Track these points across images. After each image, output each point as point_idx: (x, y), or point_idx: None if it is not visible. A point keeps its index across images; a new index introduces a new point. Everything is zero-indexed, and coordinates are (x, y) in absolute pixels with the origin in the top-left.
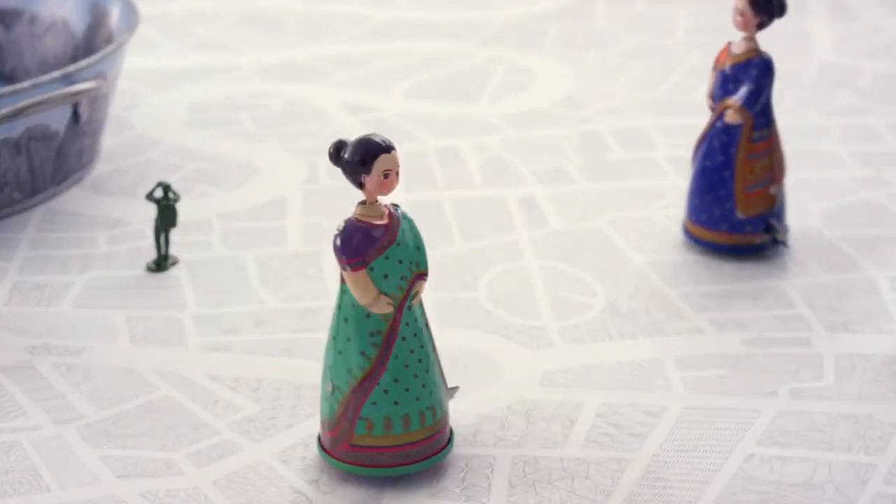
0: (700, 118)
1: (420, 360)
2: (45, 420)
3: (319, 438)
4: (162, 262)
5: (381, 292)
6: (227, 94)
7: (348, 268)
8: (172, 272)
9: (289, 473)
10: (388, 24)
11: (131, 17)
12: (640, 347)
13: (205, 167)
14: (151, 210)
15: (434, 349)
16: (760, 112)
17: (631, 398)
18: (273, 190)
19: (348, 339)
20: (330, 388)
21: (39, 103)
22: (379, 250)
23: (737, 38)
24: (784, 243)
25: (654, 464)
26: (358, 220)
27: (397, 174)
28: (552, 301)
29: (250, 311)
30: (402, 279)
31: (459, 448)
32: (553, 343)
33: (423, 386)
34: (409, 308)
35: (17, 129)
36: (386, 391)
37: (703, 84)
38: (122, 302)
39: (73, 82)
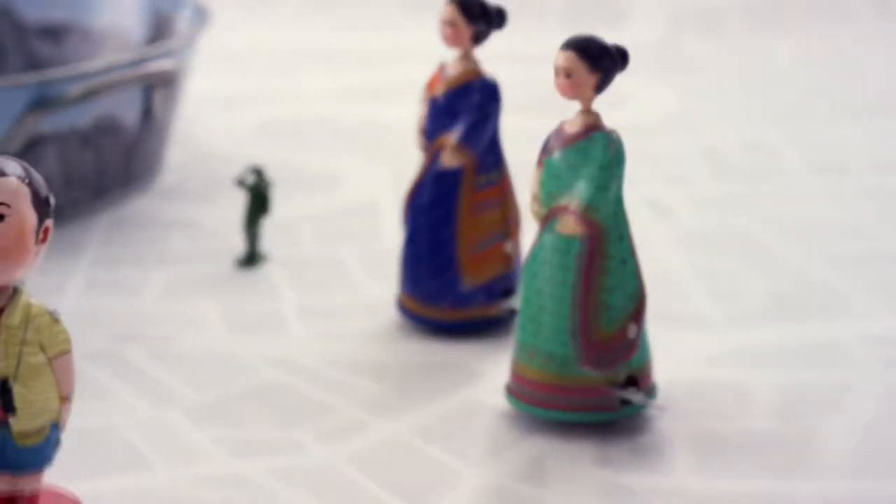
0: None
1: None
2: (140, 403)
3: (509, 387)
4: (253, 258)
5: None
6: (296, 115)
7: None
8: (263, 268)
9: (430, 448)
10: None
11: (201, 18)
12: (815, 329)
13: (283, 177)
14: (229, 210)
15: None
16: (487, 150)
17: (809, 377)
18: (360, 193)
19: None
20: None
21: (114, 83)
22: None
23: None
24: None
25: (846, 435)
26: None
27: (562, 76)
28: (706, 288)
29: (355, 301)
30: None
31: (624, 420)
32: (714, 326)
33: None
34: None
35: (86, 118)
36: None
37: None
38: (212, 295)
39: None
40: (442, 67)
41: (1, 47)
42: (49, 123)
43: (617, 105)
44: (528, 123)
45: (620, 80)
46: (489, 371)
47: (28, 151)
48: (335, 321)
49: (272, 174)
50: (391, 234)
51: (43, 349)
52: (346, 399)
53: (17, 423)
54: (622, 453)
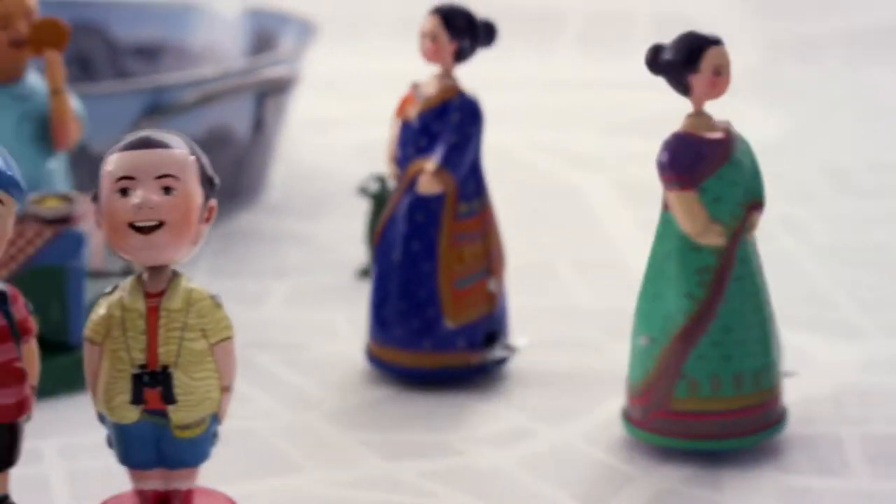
0: None
1: (756, 308)
2: (280, 408)
3: (626, 412)
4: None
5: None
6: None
7: (676, 186)
8: None
9: (598, 453)
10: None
11: (307, 33)
12: None
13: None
14: (339, 225)
15: (769, 298)
16: (468, 176)
17: None
18: None
19: (669, 279)
20: (645, 342)
21: (228, 90)
22: (711, 167)
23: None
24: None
25: None
26: (687, 133)
27: (729, 73)
28: (852, 298)
29: None
30: (737, 206)
31: (792, 426)
32: (867, 334)
33: (760, 340)
34: (745, 241)
35: (200, 126)
36: (716, 343)
37: None
38: (336, 305)
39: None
40: (414, 87)
41: (93, 67)
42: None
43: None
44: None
45: (725, 102)
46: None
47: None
48: None
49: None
50: (512, 247)
51: (205, 335)
52: (495, 402)
53: (177, 414)
54: (795, 455)
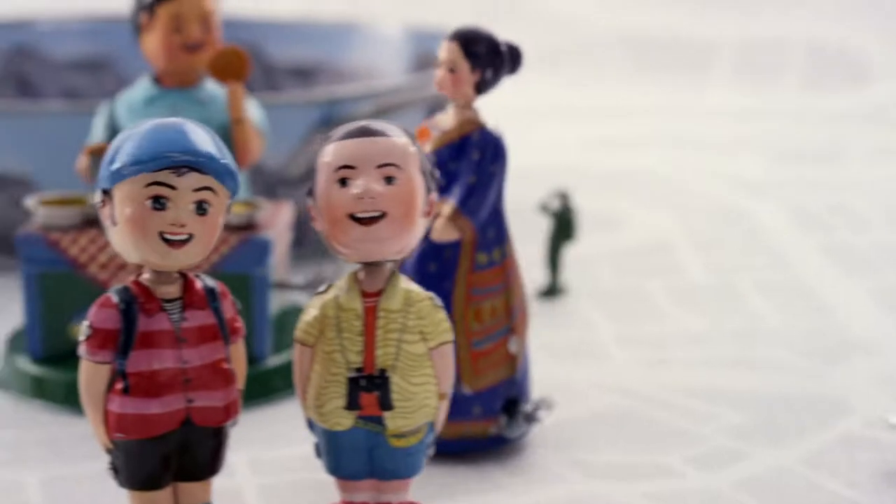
0: None
1: None
2: None
3: None
4: (554, 289)
5: None
6: (548, 162)
7: None
8: (565, 300)
9: (825, 479)
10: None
11: None
12: None
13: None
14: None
15: None
16: (489, 221)
17: None
18: (646, 233)
19: None
20: None
21: (403, 103)
22: None
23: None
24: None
25: None
26: None
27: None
28: None
29: (673, 330)
30: None
31: None
32: None
33: None
34: None
35: None
36: None
37: None
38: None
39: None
40: (428, 121)
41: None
42: None
43: None
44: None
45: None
46: (859, 405)
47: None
48: (658, 349)
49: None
50: (693, 269)
51: (424, 338)
52: (705, 428)
53: (393, 421)
54: None
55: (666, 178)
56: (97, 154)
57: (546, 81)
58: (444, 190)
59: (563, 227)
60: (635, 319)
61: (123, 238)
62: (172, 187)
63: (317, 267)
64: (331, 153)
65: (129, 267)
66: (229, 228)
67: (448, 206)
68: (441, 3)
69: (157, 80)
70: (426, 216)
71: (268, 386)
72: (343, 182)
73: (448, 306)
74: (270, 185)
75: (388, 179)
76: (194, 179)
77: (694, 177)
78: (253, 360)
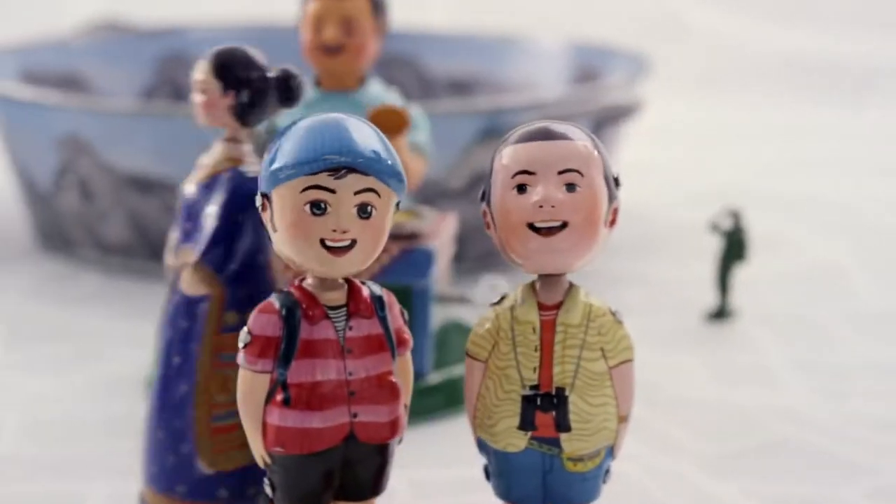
0: None
1: None
2: (644, 450)
3: None
4: (724, 311)
5: None
6: (720, 183)
7: None
8: (734, 323)
9: None
10: None
11: (639, 68)
12: None
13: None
14: (673, 266)
15: None
16: (240, 276)
17: None
18: (816, 256)
19: None
20: None
21: (570, 114)
22: None
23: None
24: None
25: None
26: None
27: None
28: None
29: (850, 359)
30: None
31: None
32: None
33: None
34: None
35: None
36: None
37: None
38: (686, 346)
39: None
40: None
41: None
42: None
43: None
44: None
45: None
46: None
47: (475, 187)
48: (833, 378)
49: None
50: (869, 296)
51: (604, 355)
52: (887, 459)
53: (570, 444)
54: None
55: (836, 202)
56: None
57: (714, 103)
58: (191, 235)
59: (734, 247)
60: (809, 346)
61: (284, 245)
62: (331, 191)
63: (490, 279)
64: (508, 156)
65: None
66: (391, 237)
67: (193, 255)
68: (607, 20)
69: (318, 82)
70: (609, 226)
71: (428, 404)
72: (521, 188)
73: (192, 370)
74: (430, 196)
75: (570, 186)
76: (355, 181)
77: (866, 201)
78: (413, 376)
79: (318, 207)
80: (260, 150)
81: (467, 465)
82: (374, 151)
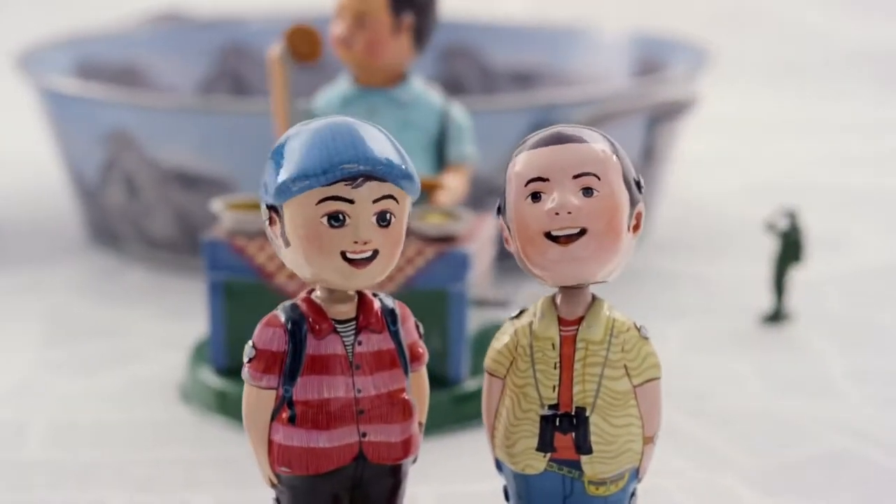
0: None
1: None
2: (686, 465)
3: None
4: (779, 314)
5: None
6: (782, 178)
7: None
8: (790, 326)
9: None
10: None
11: (700, 60)
12: None
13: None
14: (740, 266)
15: None
16: None
17: None
18: (878, 257)
19: None
20: None
21: (623, 110)
22: None
23: None
24: None
25: None
26: None
27: None
28: None
29: None
30: None
31: None
32: None
33: None
34: None
35: None
36: None
37: None
38: (739, 351)
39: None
40: None
41: (465, 90)
42: None
43: None
44: None
45: None
46: None
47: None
48: (894, 387)
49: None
50: None
51: (628, 373)
52: None
53: (592, 467)
54: None
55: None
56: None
57: (786, 94)
58: None
59: (790, 248)
60: (868, 352)
61: (298, 259)
62: (350, 201)
63: (515, 288)
64: (521, 163)
65: None
66: (426, 240)
67: None
68: (676, 9)
69: (356, 78)
70: (633, 231)
71: (463, 412)
72: (536, 196)
73: None
74: (479, 195)
75: (587, 191)
76: (373, 189)
77: None
78: (448, 382)
79: (336, 219)
80: None
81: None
82: (390, 156)
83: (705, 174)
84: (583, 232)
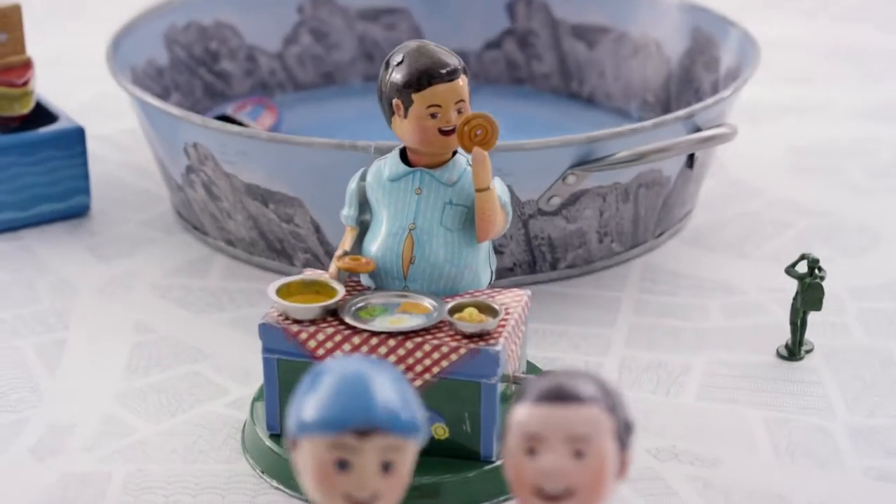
0: None
1: None
2: None
3: None
4: (796, 349)
5: None
6: (827, 138)
7: None
8: (808, 362)
9: None
10: None
11: (748, 48)
12: None
13: (818, 225)
14: (768, 277)
15: None
16: None
17: None
18: None
19: None
20: None
21: (664, 149)
22: None
23: None
24: None
25: None
26: None
27: None
28: None
29: None
30: None
31: None
32: None
33: None
34: None
35: (629, 174)
36: None
37: None
38: (754, 397)
39: (696, 124)
40: None
41: (533, 43)
42: (592, 180)
43: None
44: None
45: None
46: None
47: (566, 206)
48: (891, 456)
49: (806, 223)
50: None
51: None
52: None
53: None
54: None
55: None
56: (346, 271)
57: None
58: None
59: (809, 294)
60: (876, 400)
61: (309, 488)
62: (357, 450)
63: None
64: (522, 415)
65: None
66: (461, 335)
67: None
68: None
69: (406, 157)
70: (620, 475)
71: (494, 488)
72: (531, 451)
73: None
74: (524, 216)
75: (579, 453)
76: (378, 441)
77: None
78: (480, 460)
79: (342, 465)
80: None
81: None
82: (398, 412)
83: (745, 140)
84: (571, 492)
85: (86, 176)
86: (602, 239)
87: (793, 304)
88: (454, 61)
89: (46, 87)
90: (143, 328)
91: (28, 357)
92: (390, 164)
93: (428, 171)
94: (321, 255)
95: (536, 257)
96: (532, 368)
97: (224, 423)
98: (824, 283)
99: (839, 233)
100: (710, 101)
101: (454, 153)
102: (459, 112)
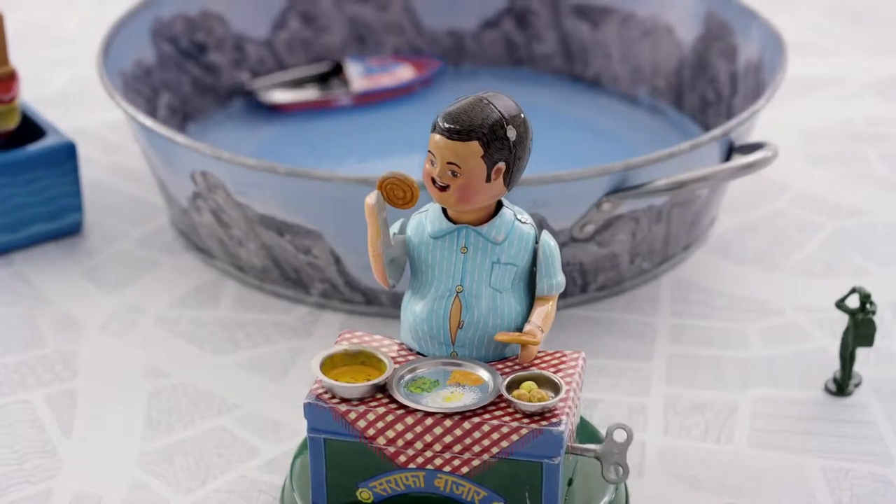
0: None
1: None
2: None
3: None
4: (845, 384)
5: None
6: (841, 119)
7: None
8: (857, 397)
9: None
10: None
11: (770, 43)
12: None
13: (846, 227)
14: (801, 293)
15: None
16: None
17: None
18: None
19: None
20: None
21: (705, 178)
22: None
23: None
24: None
25: None
26: None
27: None
28: None
29: None
30: None
31: None
32: None
33: None
34: None
35: (663, 197)
36: None
37: None
38: (808, 442)
39: (731, 140)
40: None
41: (532, 22)
42: (627, 204)
43: None
44: None
45: None
46: None
47: (599, 232)
48: None
49: (834, 224)
50: None
51: None
52: None
53: None
54: None
55: None
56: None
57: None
58: None
59: (861, 330)
60: None
61: None
62: None
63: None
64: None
65: (415, 443)
66: (525, 415)
67: None
68: None
69: (446, 212)
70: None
71: None
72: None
73: None
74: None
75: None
76: None
77: None
78: None
79: None
80: None
81: None
82: None
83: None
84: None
85: (78, 193)
86: (633, 260)
87: (843, 339)
88: (471, 124)
89: (20, 70)
90: (156, 373)
91: (39, 412)
92: (432, 218)
93: (473, 228)
94: (340, 285)
95: (567, 282)
96: (583, 423)
97: (258, 489)
98: (873, 322)
99: (870, 236)
100: (744, 115)
101: (499, 205)
102: (453, 174)
